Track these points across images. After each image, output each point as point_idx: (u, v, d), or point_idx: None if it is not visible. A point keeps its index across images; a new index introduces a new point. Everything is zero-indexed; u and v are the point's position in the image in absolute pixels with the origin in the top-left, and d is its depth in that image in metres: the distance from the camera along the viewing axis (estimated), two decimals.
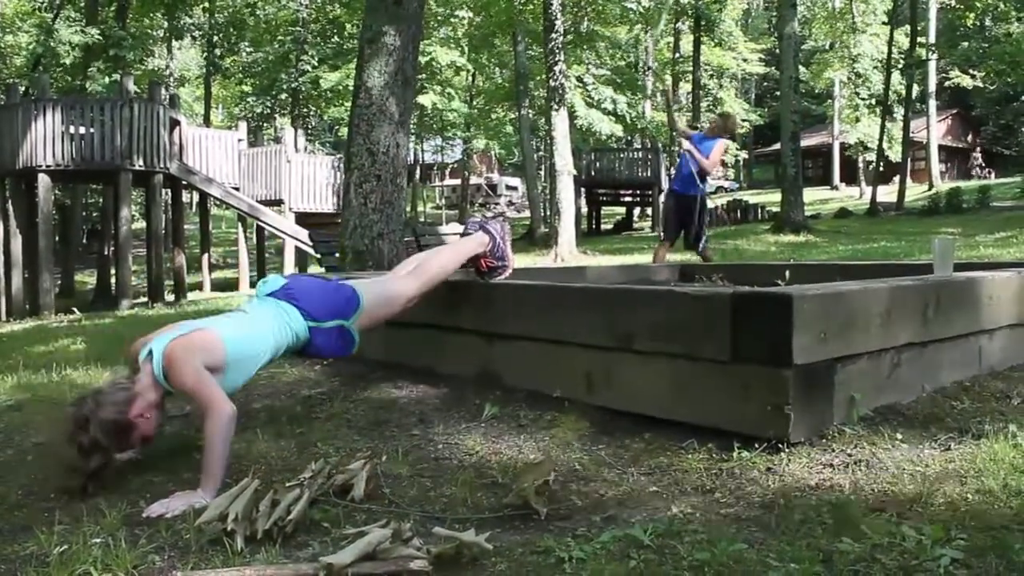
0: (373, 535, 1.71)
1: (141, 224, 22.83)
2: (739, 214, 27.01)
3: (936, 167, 34.77)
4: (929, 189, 30.90)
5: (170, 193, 17.71)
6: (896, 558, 1.59)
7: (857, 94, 35.10)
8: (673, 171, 8.18)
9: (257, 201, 16.87)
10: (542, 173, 29.03)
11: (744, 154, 42.46)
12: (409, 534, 1.73)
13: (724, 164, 39.21)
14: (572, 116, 21.68)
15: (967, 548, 1.59)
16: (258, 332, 2.60)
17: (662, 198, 17.46)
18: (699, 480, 2.12)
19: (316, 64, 30.08)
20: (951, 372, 2.87)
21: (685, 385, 2.50)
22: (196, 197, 23.37)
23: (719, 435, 2.37)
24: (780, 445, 2.24)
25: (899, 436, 2.33)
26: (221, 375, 2.45)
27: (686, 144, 7.97)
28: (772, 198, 27.67)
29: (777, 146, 26.76)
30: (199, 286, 18.72)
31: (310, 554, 1.79)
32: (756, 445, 2.27)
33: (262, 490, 1.98)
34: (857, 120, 35.11)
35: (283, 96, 34.06)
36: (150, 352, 2.47)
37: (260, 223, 17.39)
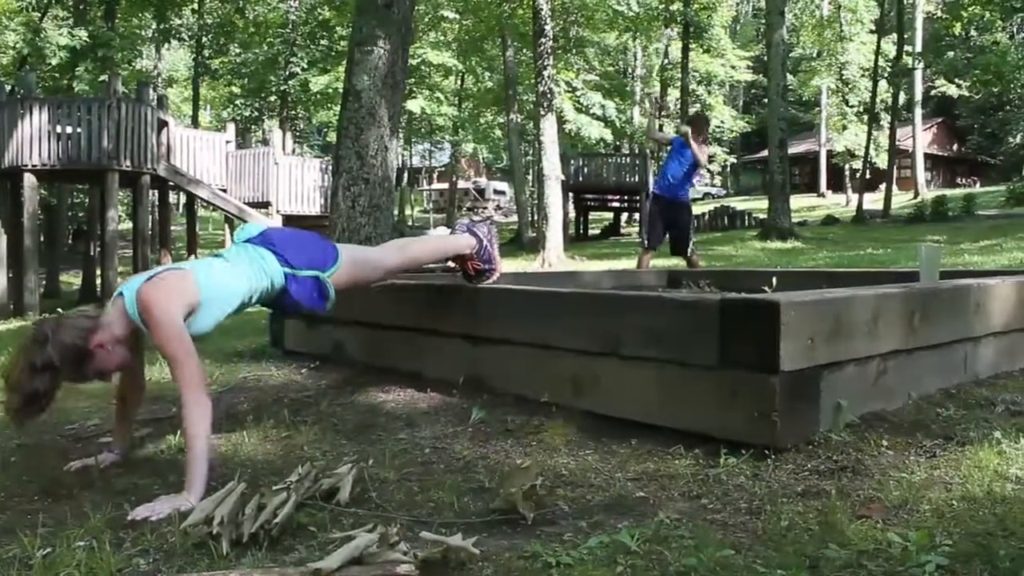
0: (360, 539, 1.70)
1: (127, 225, 22.73)
2: (726, 220, 27.13)
3: (922, 175, 35.06)
4: (915, 197, 31.16)
5: (157, 194, 17.64)
6: (882, 564, 1.60)
7: (845, 102, 35.34)
8: (657, 175, 8.15)
9: (245, 203, 16.82)
10: (530, 178, 29.07)
11: (732, 160, 42.63)
12: (396, 538, 1.73)
13: (710, 172, 39.43)
14: (561, 121, 21.74)
15: (952, 554, 1.60)
16: (233, 273, 2.56)
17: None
18: (686, 486, 2.12)
19: (305, 67, 30.03)
20: (936, 379, 2.88)
21: (672, 391, 2.50)
22: (183, 198, 23.29)
23: (706, 441, 2.37)
24: (767, 451, 2.25)
25: (885, 443, 2.34)
26: (195, 315, 2.41)
27: (694, 144, 7.81)
28: (759, 205, 27.81)
29: (764, 153, 26.91)
30: None
31: (296, 558, 1.78)
32: (743, 451, 2.27)
33: (248, 493, 1.97)
34: (844, 128, 35.38)
35: (272, 98, 34.00)
36: (120, 294, 2.44)
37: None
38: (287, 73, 30.61)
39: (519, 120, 24.15)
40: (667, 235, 8.23)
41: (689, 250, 8.13)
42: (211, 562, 1.77)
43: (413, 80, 24.89)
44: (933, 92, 38.02)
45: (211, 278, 2.49)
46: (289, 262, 2.67)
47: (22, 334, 2.40)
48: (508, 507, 1.97)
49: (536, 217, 20.51)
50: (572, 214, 26.80)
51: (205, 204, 18.17)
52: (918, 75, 33.28)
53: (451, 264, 3.38)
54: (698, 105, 33.22)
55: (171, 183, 16.43)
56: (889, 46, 29.59)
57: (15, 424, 2.32)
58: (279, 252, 2.67)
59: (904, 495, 1.95)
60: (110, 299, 2.49)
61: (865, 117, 31.47)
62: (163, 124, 15.71)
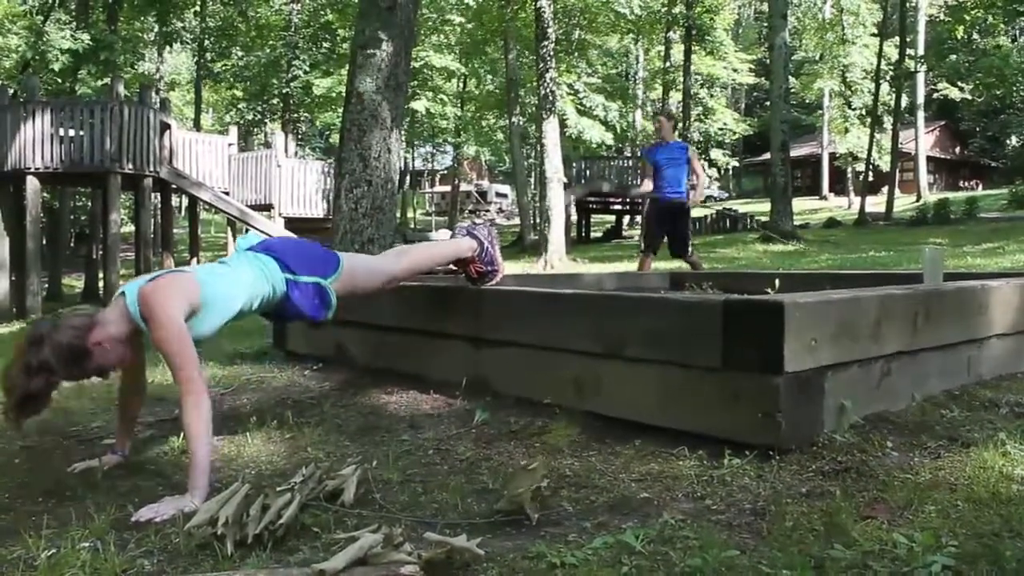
0: (364, 540, 1.70)
1: (129, 228, 22.76)
2: (728, 223, 27.13)
3: (924, 178, 35.08)
4: (917, 200, 31.15)
5: (159, 197, 17.65)
6: (888, 565, 1.59)
7: (847, 105, 35.32)
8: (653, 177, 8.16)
9: (247, 206, 16.83)
10: (532, 180, 29.07)
11: (734, 163, 42.62)
12: (400, 539, 1.73)
13: (710, 178, 39.49)
14: (563, 124, 21.74)
15: (958, 555, 1.60)
16: (235, 277, 2.56)
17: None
18: (690, 487, 2.12)
19: (308, 69, 30.06)
20: (940, 381, 2.88)
21: (676, 392, 2.50)
22: (185, 201, 23.31)
23: (710, 442, 2.37)
24: (771, 452, 2.25)
25: (889, 444, 2.33)
26: (197, 316, 2.41)
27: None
28: (761, 207, 27.83)
29: (766, 156, 26.90)
30: None
31: (301, 559, 1.78)
32: (747, 452, 2.27)
33: (252, 494, 1.97)
34: (846, 131, 35.36)
35: (274, 101, 34.04)
36: (122, 293, 2.45)
37: (250, 228, 17.33)
38: (289, 76, 30.63)
39: (521, 123, 24.17)
40: (666, 238, 8.22)
41: (689, 250, 8.12)
42: (215, 563, 1.78)
43: (416, 83, 24.93)
44: (935, 95, 38.01)
45: (214, 282, 2.49)
46: (291, 268, 2.67)
47: (21, 334, 2.39)
48: (512, 508, 1.97)
49: (538, 220, 20.50)
50: (574, 217, 26.81)
51: (207, 207, 18.18)
52: (920, 78, 33.29)
53: (452, 267, 3.38)
54: (700, 108, 33.23)
55: (173, 186, 16.45)
56: (891, 49, 29.59)
57: (12, 425, 2.31)
58: (280, 258, 2.67)
59: (909, 496, 1.95)
60: (112, 298, 2.50)
61: (867, 120, 31.46)
62: (165, 127, 15.73)
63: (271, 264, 2.65)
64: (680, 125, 8.65)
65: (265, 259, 2.66)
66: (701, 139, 34.60)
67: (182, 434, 2.78)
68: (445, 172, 48.89)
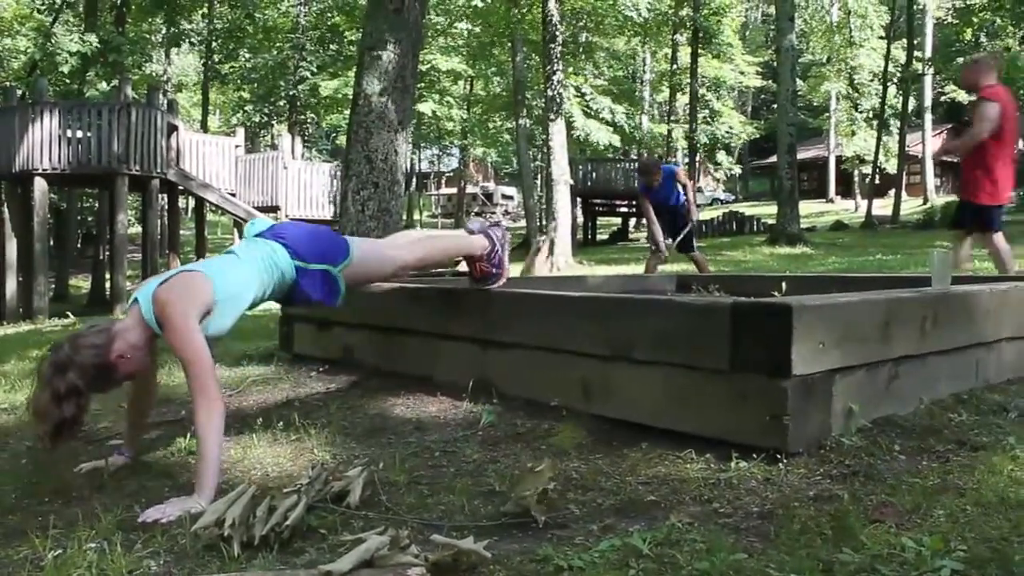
0: (371, 542, 1.70)
1: (136, 229, 22.82)
2: (735, 226, 27.11)
3: (931, 181, 34.98)
4: (924, 203, 31.07)
5: (166, 198, 17.69)
6: (896, 569, 1.58)
7: (855, 107, 35.25)
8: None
9: (253, 207, 16.86)
10: (538, 182, 29.08)
11: (737, 169, 42.55)
12: (407, 541, 1.72)
13: (716, 180, 39.42)
14: (570, 126, 21.74)
15: (967, 560, 1.59)
16: (245, 270, 2.56)
17: None
18: (697, 490, 2.11)
19: (315, 71, 30.13)
20: (948, 384, 2.86)
21: (683, 395, 2.49)
22: (192, 202, 23.38)
23: (717, 445, 2.36)
24: (778, 455, 2.24)
25: (897, 448, 2.32)
26: (211, 316, 2.41)
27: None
28: (768, 210, 27.81)
29: (773, 159, 26.87)
30: None
31: (307, 560, 1.78)
32: (754, 455, 2.26)
33: (259, 496, 1.97)
34: (853, 133, 35.29)
35: (281, 103, 34.11)
36: (135, 300, 2.45)
37: None
38: (296, 78, 30.71)
39: (528, 125, 24.16)
40: (670, 238, 8.28)
41: (694, 247, 8.21)
42: (222, 564, 1.78)
43: (422, 85, 24.95)
44: (943, 98, 37.89)
45: (225, 278, 2.49)
46: (300, 255, 2.67)
47: (41, 361, 2.40)
48: (519, 510, 1.97)
49: (544, 222, 20.49)
50: (580, 219, 26.81)
51: (214, 208, 18.22)
52: (928, 81, 33.23)
53: (463, 268, 3.38)
54: (706, 110, 33.21)
55: (180, 187, 16.49)
56: (899, 51, 29.55)
57: (47, 449, 2.32)
58: (289, 245, 2.68)
59: (917, 500, 1.93)
60: (126, 305, 2.51)
61: (874, 123, 31.40)
62: (173, 128, 15.78)
63: (280, 251, 2.65)
64: (662, 162, 9.49)
65: (275, 246, 2.66)
66: (708, 141, 34.56)
67: (189, 435, 2.79)
68: (451, 174, 48.94)
